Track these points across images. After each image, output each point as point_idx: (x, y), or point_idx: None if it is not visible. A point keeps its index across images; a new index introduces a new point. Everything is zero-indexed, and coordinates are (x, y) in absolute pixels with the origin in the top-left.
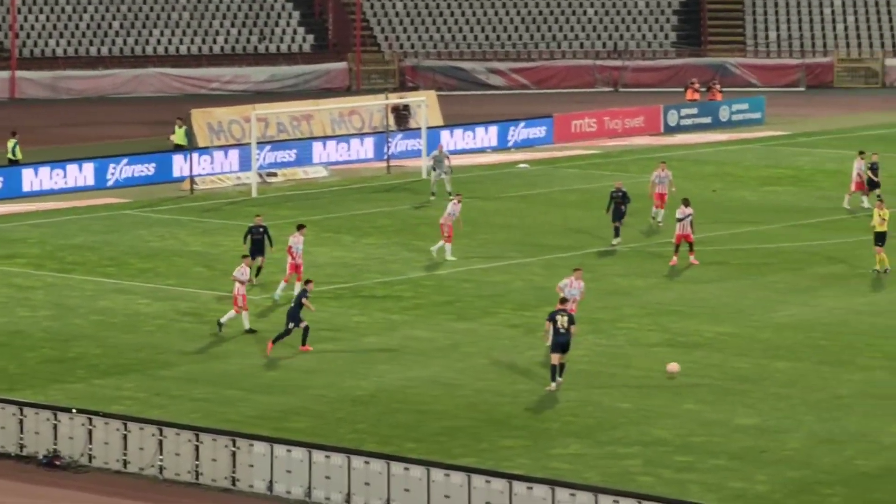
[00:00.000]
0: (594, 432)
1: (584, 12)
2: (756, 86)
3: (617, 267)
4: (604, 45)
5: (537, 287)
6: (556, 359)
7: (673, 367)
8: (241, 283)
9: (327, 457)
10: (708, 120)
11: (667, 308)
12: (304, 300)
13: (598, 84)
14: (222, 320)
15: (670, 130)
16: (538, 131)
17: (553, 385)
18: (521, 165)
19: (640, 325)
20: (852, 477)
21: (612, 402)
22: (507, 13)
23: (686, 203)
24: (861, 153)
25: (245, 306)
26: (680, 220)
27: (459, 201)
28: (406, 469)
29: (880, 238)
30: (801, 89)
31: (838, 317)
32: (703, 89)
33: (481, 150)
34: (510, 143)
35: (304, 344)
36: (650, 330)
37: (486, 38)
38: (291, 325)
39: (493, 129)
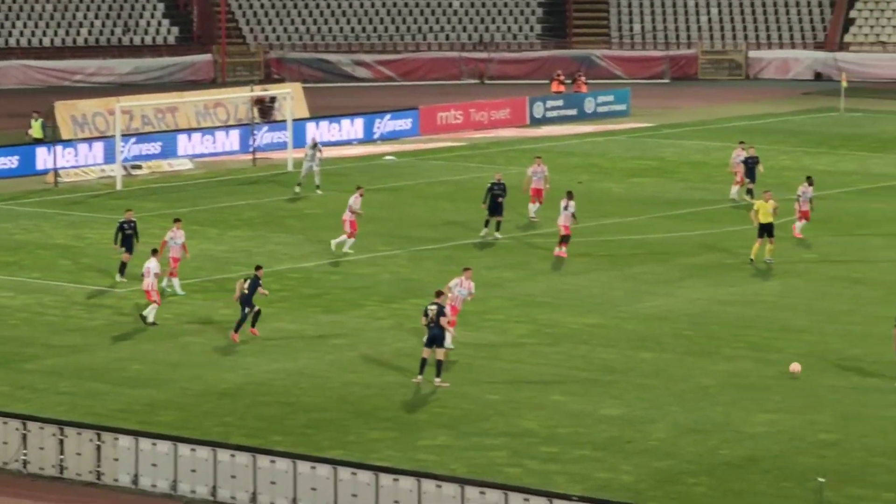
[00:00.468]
0: (461, 424)
1: (450, 4)
2: (621, 78)
3: (485, 259)
4: (469, 37)
5: (404, 279)
6: (426, 353)
7: (795, 367)
8: (156, 275)
9: (193, 450)
10: (573, 112)
11: (534, 300)
12: (259, 287)
13: (464, 76)
14: (145, 314)
15: (536, 122)
16: (404, 123)
17: (419, 377)
18: (388, 158)
19: (508, 317)
20: (717, 466)
21: (479, 394)
22: (373, 5)
23: (570, 196)
24: (741, 143)
25: (157, 300)
26: (566, 211)
27: (361, 194)
28: (272, 462)
29: (767, 229)
30: (666, 81)
31: (703, 307)
32: (569, 81)
33: (347, 143)
34: (376, 136)
35: (253, 327)
36: (518, 321)
37: (352, 30)
38: (247, 309)
39: (359, 122)
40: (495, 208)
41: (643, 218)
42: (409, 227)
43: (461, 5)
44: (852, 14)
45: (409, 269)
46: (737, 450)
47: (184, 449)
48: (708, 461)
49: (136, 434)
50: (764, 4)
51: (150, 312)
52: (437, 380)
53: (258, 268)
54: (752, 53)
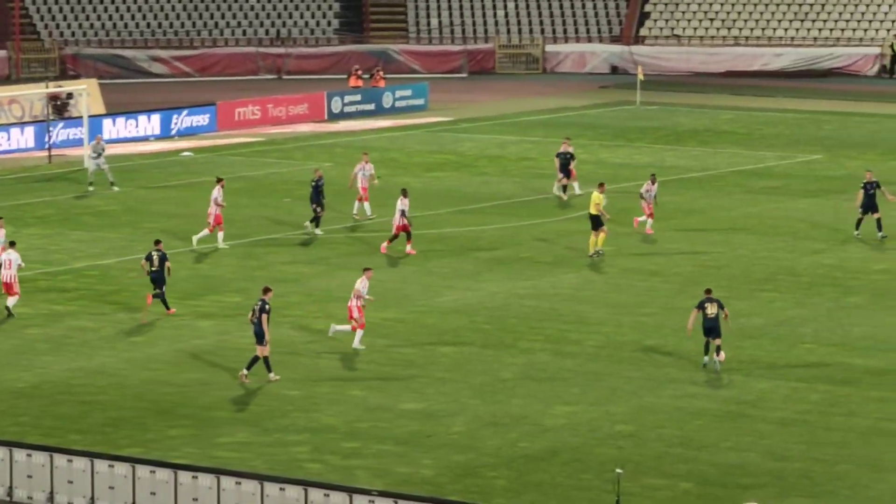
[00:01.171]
0: (262, 420)
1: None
2: (419, 72)
3: (282, 255)
4: (266, 32)
5: (203, 276)
6: (258, 351)
7: (722, 357)
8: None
9: None
10: (371, 106)
11: (332, 295)
12: (167, 263)
13: (262, 71)
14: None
15: (334, 117)
16: (201, 119)
17: (244, 372)
18: (185, 153)
19: (306, 312)
20: (516, 459)
21: (279, 390)
22: (169, 0)
23: (405, 193)
24: (567, 139)
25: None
26: (402, 210)
27: (223, 186)
28: (69, 461)
29: (596, 221)
30: (464, 75)
31: (501, 301)
32: (367, 76)
33: (144, 139)
34: (173, 132)
35: (168, 309)
36: (316, 317)
37: (148, 25)
38: (163, 288)
39: (156, 118)
40: (318, 202)
41: (442, 212)
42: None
43: (258, 0)
44: (647, 8)
45: (208, 265)
46: (536, 442)
47: None
48: (507, 454)
49: None
50: None
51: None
52: (272, 375)
53: (157, 241)
54: (549, 47)
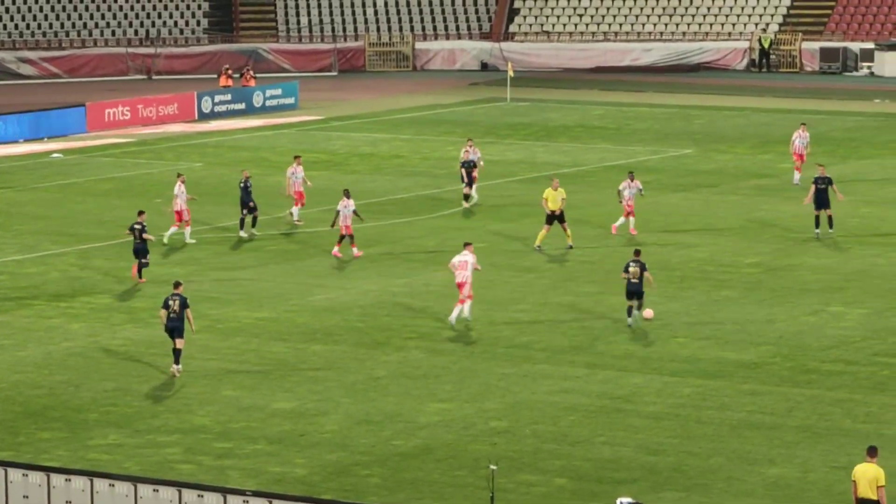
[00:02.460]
0: (133, 422)
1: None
2: (289, 71)
3: (153, 256)
4: (136, 32)
5: (74, 277)
6: (177, 343)
7: (648, 313)
8: None
9: None
10: (242, 106)
11: (205, 295)
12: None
13: (132, 72)
14: None
15: (205, 117)
16: (71, 120)
17: (176, 367)
18: (55, 155)
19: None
20: (390, 457)
21: (151, 391)
22: (37, 1)
23: (347, 195)
24: (469, 140)
25: None
26: (342, 211)
27: (183, 181)
28: None
29: (557, 217)
30: (334, 74)
31: (374, 298)
32: (237, 75)
33: (13, 141)
34: (43, 133)
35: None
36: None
37: (16, 26)
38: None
39: (25, 119)
40: (245, 206)
41: (314, 211)
42: (78, 224)
43: (126, 0)
44: (517, 4)
45: (79, 267)
46: (410, 440)
47: None
48: (381, 452)
49: None
50: None
51: None
52: (175, 367)
53: (177, 285)
54: (419, 45)
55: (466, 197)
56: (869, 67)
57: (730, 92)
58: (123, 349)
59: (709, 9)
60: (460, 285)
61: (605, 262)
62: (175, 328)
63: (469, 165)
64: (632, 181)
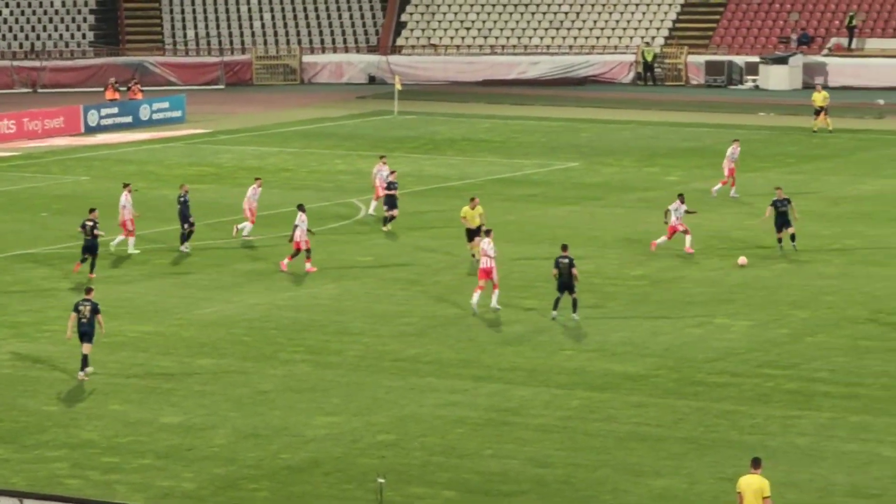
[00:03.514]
0: (20, 436)
1: (0, 12)
2: (176, 84)
3: (41, 270)
4: (21, 45)
5: None
6: (84, 348)
7: (742, 260)
8: None
9: None
10: (129, 119)
11: None
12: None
13: (17, 85)
14: None
15: (91, 130)
16: None
17: (82, 373)
18: None
19: (65, 328)
20: (278, 471)
21: (37, 406)
22: None
23: (301, 209)
24: (382, 157)
25: None
26: (300, 226)
27: (130, 191)
28: None
29: (476, 233)
30: (221, 87)
31: (261, 312)
32: (124, 88)
33: None
34: None
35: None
36: (74, 331)
37: None
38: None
39: None
40: (185, 220)
41: (200, 225)
42: None
43: (11, 13)
44: (404, 17)
45: None
46: (298, 453)
47: None
48: (269, 466)
49: None
50: (317, 9)
51: None
52: (81, 373)
53: (89, 290)
54: (307, 58)
55: (387, 220)
56: (754, 81)
57: (616, 105)
58: (9, 363)
59: (595, 22)
60: (483, 271)
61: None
62: (85, 333)
63: (392, 187)
64: (682, 203)
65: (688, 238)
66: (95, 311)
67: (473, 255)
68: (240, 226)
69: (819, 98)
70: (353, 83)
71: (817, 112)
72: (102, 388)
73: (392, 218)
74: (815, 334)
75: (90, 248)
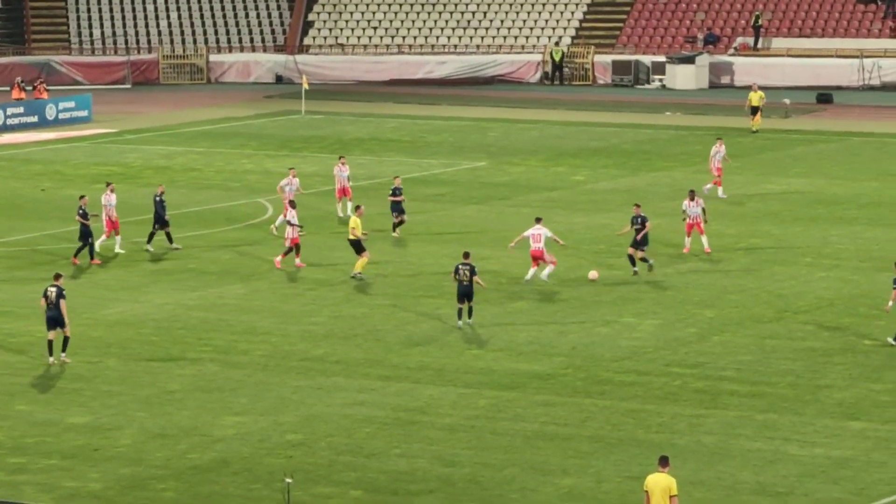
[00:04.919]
0: None
1: None
2: (82, 83)
3: None
4: None
5: None
6: (51, 335)
7: (593, 274)
8: None
9: None
10: (34, 119)
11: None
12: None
13: None
14: None
15: None
16: None
17: (52, 360)
18: None
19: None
20: (185, 471)
21: None
22: None
23: (292, 205)
24: (342, 158)
25: None
26: (290, 222)
27: (112, 190)
28: None
29: (357, 245)
30: (128, 86)
31: (169, 312)
32: (29, 88)
33: None
34: None
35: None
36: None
37: None
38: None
39: None
40: (160, 221)
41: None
42: None
43: None
44: (311, 17)
45: None
46: (205, 453)
47: None
48: (176, 465)
49: None
50: (223, 8)
51: None
52: (63, 355)
53: (57, 277)
54: (213, 57)
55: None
56: (660, 80)
57: (524, 105)
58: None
59: (502, 22)
60: (535, 255)
61: (398, 275)
62: (52, 317)
63: (396, 193)
64: (692, 200)
65: (704, 239)
66: (60, 296)
67: (354, 276)
68: (277, 223)
69: (755, 98)
70: (261, 83)
71: (753, 111)
72: (8, 389)
73: (401, 223)
74: (721, 333)
75: (85, 235)
